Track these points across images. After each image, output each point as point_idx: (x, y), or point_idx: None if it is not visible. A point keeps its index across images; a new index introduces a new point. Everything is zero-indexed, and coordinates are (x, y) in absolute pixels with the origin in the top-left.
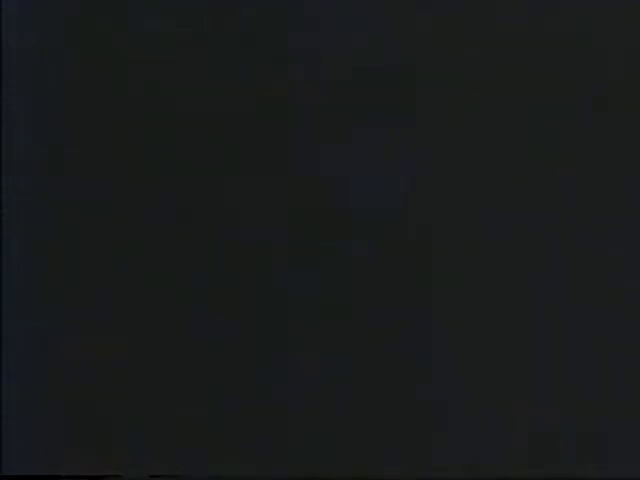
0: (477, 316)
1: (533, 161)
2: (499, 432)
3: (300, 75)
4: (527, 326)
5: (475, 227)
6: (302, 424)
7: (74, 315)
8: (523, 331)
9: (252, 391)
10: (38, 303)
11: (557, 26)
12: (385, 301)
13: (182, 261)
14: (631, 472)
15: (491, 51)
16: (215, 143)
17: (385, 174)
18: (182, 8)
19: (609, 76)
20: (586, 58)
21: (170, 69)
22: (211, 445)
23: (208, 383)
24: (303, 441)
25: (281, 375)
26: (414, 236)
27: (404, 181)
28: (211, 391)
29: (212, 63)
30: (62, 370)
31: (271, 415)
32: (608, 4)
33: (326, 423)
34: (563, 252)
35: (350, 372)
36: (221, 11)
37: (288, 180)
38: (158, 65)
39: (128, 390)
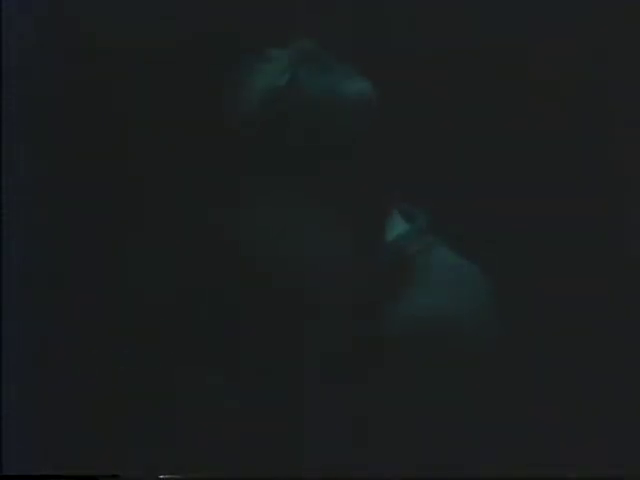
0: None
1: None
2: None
3: None
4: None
5: None
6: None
7: (74, 315)
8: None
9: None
10: (38, 303)
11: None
12: None
13: (182, 260)
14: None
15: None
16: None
17: None
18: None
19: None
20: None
21: (172, 69)
22: (212, 446)
23: (209, 383)
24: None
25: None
26: None
27: None
28: (211, 391)
29: None
30: (62, 370)
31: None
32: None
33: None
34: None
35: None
36: None
37: None
38: (162, 65)
39: (128, 390)
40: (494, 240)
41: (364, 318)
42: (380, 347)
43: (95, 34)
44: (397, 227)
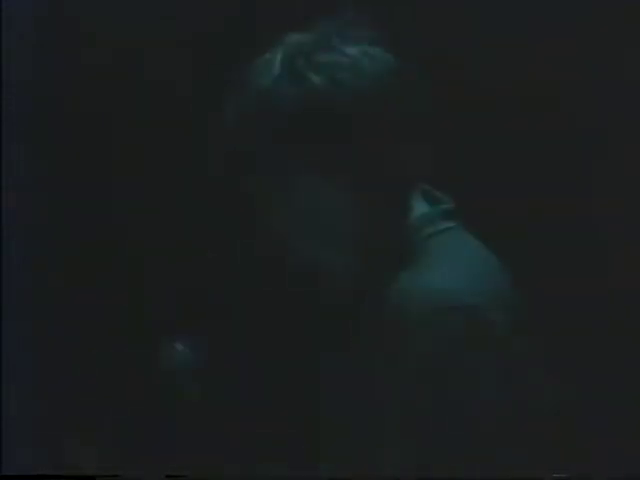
0: None
1: None
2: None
3: None
4: None
5: None
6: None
7: (74, 315)
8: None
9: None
10: (38, 303)
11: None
12: None
13: (182, 259)
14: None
15: None
16: None
17: None
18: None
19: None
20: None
21: (172, 69)
22: (211, 446)
23: (209, 384)
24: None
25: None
26: None
27: None
28: (212, 392)
29: None
30: (62, 370)
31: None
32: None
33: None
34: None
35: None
36: None
37: None
38: (163, 67)
39: (129, 390)
40: (511, 233)
41: (377, 292)
42: (384, 323)
43: (95, 34)
44: (420, 207)
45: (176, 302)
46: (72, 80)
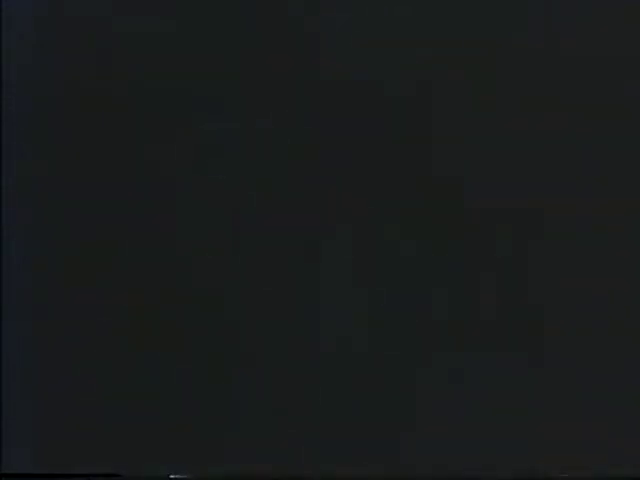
0: None
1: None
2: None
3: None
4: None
5: None
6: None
7: (74, 315)
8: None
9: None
10: (38, 303)
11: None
12: None
13: (181, 259)
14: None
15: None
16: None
17: None
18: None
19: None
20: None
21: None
22: (211, 446)
23: (210, 384)
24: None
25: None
26: None
27: None
28: (213, 391)
29: None
30: (62, 370)
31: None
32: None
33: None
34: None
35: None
36: None
37: None
38: (160, 64)
39: (129, 390)
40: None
41: None
42: None
43: (95, 34)
44: None
45: (176, 299)
46: (72, 80)
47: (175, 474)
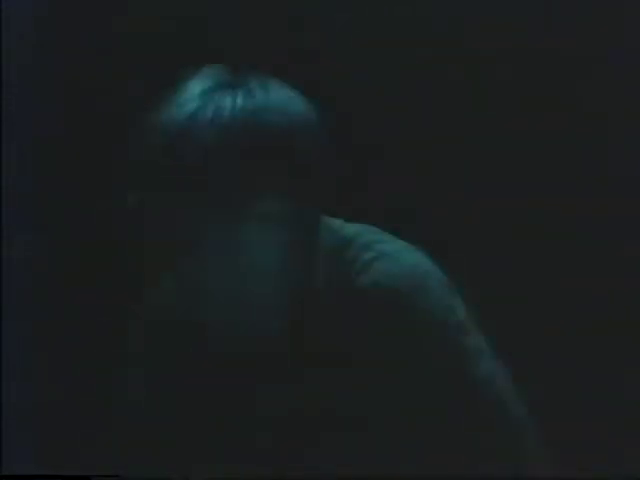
0: None
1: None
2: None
3: None
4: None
5: None
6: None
7: (74, 315)
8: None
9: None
10: (38, 303)
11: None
12: None
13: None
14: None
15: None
16: None
17: None
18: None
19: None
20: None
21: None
22: (210, 447)
23: (210, 384)
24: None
25: None
26: None
27: None
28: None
29: None
30: (62, 370)
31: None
32: None
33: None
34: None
35: None
36: None
37: None
38: (163, 66)
39: (129, 390)
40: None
41: None
42: None
43: (95, 34)
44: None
45: (177, 299)
46: (72, 80)
47: (175, 474)
